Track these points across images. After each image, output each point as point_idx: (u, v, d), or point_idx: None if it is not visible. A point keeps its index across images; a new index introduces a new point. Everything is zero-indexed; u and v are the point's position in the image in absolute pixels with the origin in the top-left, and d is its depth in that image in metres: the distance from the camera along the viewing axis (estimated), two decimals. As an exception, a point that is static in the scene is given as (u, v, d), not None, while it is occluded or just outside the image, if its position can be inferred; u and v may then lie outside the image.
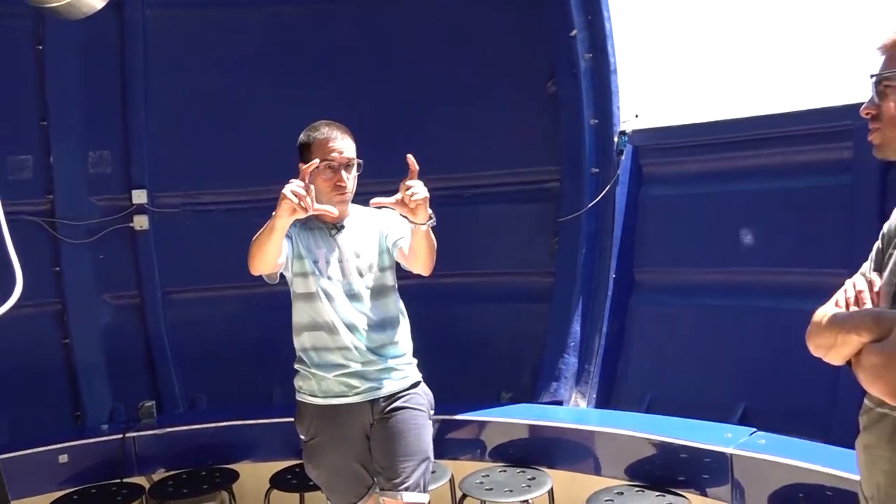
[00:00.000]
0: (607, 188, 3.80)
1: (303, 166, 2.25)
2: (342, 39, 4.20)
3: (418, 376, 2.45)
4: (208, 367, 4.16)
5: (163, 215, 4.25)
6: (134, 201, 4.18)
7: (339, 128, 2.38)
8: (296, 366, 2.41)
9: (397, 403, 2.35)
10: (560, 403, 3.69)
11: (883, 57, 1.35)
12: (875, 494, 1.36)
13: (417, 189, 2.05)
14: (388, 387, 2.35)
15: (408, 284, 2.52)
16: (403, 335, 2.42)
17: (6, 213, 1.55)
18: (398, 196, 2.08)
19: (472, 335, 4.06)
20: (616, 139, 3.82)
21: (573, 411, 3.64)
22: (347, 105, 3.88)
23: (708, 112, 3.72)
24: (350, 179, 2.35)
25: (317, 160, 2.17)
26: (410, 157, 2.06)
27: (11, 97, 4.00)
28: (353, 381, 2.32)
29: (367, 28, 4.20)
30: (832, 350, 1.37)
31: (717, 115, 3.65)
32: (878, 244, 1.47)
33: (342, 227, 2.41)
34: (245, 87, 4.23)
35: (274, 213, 2.06)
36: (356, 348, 2.31)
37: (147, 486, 3.42)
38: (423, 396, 2.43)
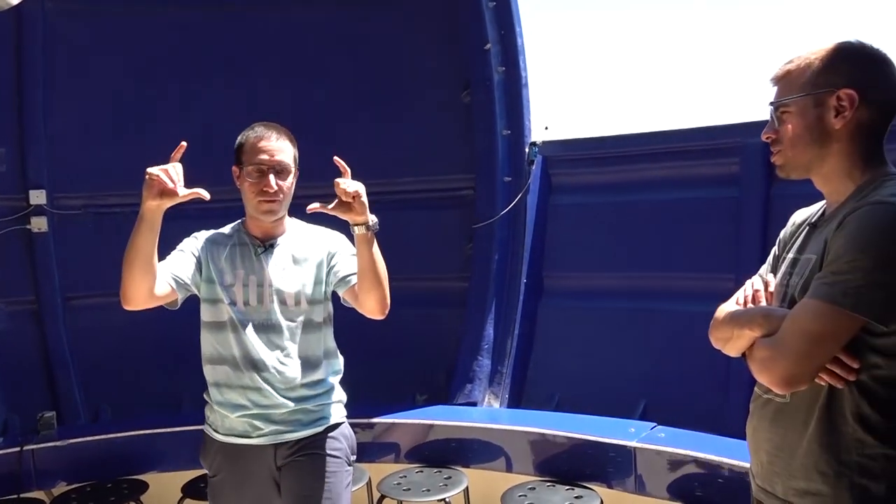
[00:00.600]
0: (519, 196, 3.95)
1: (235, 170, 2.17)
2: (256, 41, 4.15)
3: (340, 417, 2.24)
4: (112, 375, 4.00)
5: (63, 217, 4.05)
6: (31, 202, 3.97)
7: (276, 129, 2.17)
8: (204, 395, 2.24)
9: (308, 449, 2.13)
10: (474, 404, 3.81)
11: (776, 87, 1.51)
12: (759, 471, 1.53)
13: (348, 183, 1.94)
14: (298, 432, 2.13)
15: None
16: (328, 374, 2.20)
17: None
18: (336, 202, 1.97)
19: (388, 339, 4.08)
20: (527, 150, 3.99)
21: (486, 411, 3.76)
22: (261, 108, 3.84)
23: (613, 126, 3.95)
24: (283, 187, 2.11)
25: (184, 143, 1.96)
26: (337, 159, 1.98)
27: None
28: (258, 423, 2.10)
29: (280, 30, 4.15)
30: (729, 343, 1.53)
31: (621, 129, 3.89)
32: (774, 249, 1.64)
33: (272, 245, 2.17)
34: (153, 87, 4.10)
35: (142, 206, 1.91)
36: (262, 389, 2.08)
37: (48, 500, 3.28)
38: (342, 440, 2.20)
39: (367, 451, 3.35)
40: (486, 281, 3.98)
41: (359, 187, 1.96)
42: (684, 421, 3.07)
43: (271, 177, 2.10)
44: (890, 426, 1.34)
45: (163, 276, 2.06)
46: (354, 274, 2.12)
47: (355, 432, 3.18)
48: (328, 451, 2.15)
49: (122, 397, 4.00)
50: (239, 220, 2.26)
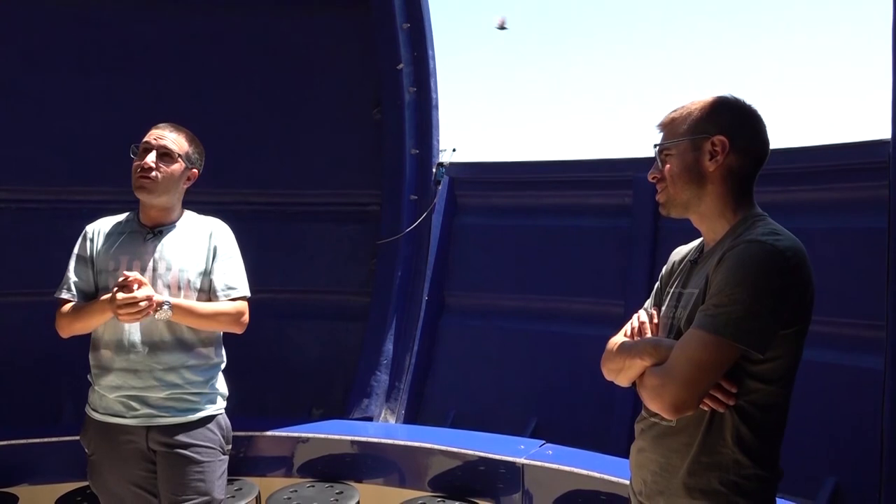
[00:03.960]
0: (424, 215, 4.02)
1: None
2: (169, 41, 4.04)
3: (216, 409, 2.30)
4: (25, 376, 3.76)
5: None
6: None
7: (176, 126, 2.32)
8: (88, 377, 2.30)
9: (181, 437, 2.21)
10: (370, 419, 3.81)
11: (661, 132, 1.66)
12: (643, 490, 1.64)
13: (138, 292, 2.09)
14: (173, 417, 2.21)
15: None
16: (206, 363, 2.28)
17: None
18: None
19: (286, 351, 4.07)
20: (434, 170, 4.07)
21: (382, 426, 3.77)
22: (164, 109, 3.73)
23: (518, 152, 4.10)
24: (162, 168, 2.22)
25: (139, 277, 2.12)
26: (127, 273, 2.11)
27: None
28: (134, 403, 2.19)
29: (195, 33, 4.06)
30: (621, 373, 1.63)
31: (526, 156, 4.04)
32: (657, 284, 1.78)
33: (160, 231, 2.28)
34: (47, 81, 3.92)
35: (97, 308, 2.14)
36: (138, 372, 2.18)
37: None
38: (216, 432, 2.28)
39: (257, 465, 3.30)
40: (387, 297, 4.01)
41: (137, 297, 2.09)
42: (572, 439, 3.20)
43: (150, 154, 2.22)
44: (763, 448, 1.48)
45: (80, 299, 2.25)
46: (220, 292, 2.28)
47: (245, 445, 3.13)
48: (202, 442, 2.24)
49: (37, 397, 3.76)
50: (136, 210, 2.35)
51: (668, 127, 1.64)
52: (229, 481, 2.68)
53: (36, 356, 3.78)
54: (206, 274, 2.28)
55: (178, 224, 2.32)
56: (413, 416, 3.90)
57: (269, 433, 3.37)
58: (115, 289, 2.09)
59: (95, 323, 2.20)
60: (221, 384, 2.36)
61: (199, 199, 2.53)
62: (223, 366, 2.37)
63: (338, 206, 4.22)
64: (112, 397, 2.20)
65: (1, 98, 3.85)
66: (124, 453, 2.21)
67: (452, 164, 4.11)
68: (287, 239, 4.12)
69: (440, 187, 4.06)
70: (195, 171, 2.34)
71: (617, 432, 3.29)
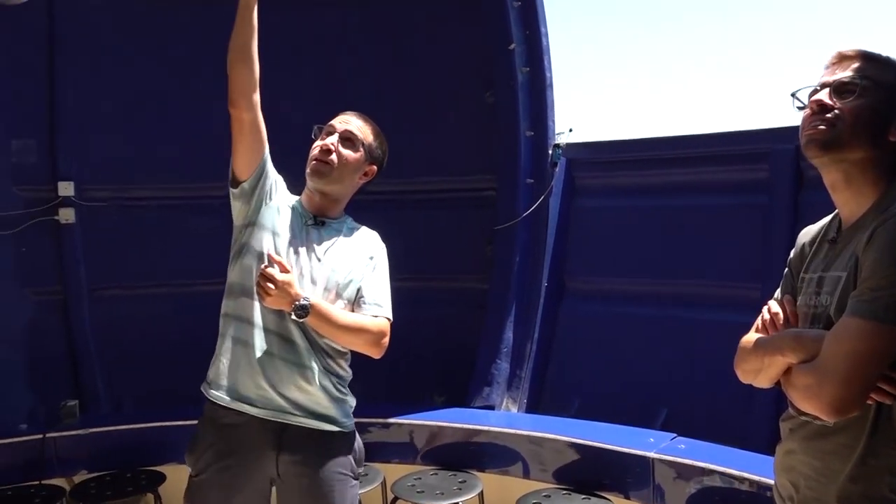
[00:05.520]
0: (541, 199, 3.91)
1: None
2: (286, 38, 4.16)
3: (350, 425, 2.09)
4: (134, 367, 4.04)
5: (90, 209, 4.10)
6: (60, 193, 4.03)
7: (363, 115, 2.17)
8: (217, 347, 2.07)
9: (314, 461, 1.98)
10: (492, 408, 3.78)
11: (845, 65, 1.43)
12: (794, 496, 1.46)
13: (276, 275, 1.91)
14: (308, 419, 1.98)
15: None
16: (346, 373, 2.10)
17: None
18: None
19: (406, 339, 4.06)
20: (550, 151, 3.94)
21: (504, 415, 3.72)
22: (287, 104, 3.85)
23: (638, 130, 3.90)
24: (343, 154, 2.04)
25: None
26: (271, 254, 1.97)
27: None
28: (264, 385, 1.95)
29: (307, 27, 4.16)
30: (760, 374, 1.46)
31: (647, 133, 3.83)
32: (786, 270, 1.59)
33: (323, 222, 2.09)
34: (183, 81, 4.13)
35: None
36: (291, 341, 1.97)
37: (68, 488, 3.31)
38: (350, 454, 2.07)
39: (382, 452, 3.35)
40: (506, 283, 3.94)
41: (286, 279, 1.92)
42: (706, 433, 3.01)
43: (332, 136, 2.07)
44: None
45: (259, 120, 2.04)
46: (365, 305, 2.04)
47: (370, 432, 3.17)
48: (336, 470, 2.02)
49: (144, 389, 4.04)
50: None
51: (867, 63, 1.41)
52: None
53: (180, 342, 4.02)
54: (356, 282, 2.05)
55: (340, 221, 2.14)
56: (535, 405, 3.83)
57: (392, 419, 3.41)
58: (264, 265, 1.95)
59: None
60: (352, 397, 2.13)
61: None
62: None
63: (453, 192, 4.19)
64: (246, 364, 2.00)
65: (139, 98, 4.10)
66: (245, 475, 1.99)
67: (569, 145, 3.96)
68: (404, 226, 4.11)
69: (557, 169, 3.93)
70: (374, 167, 2.14)
71: (757, 427, 3.05)
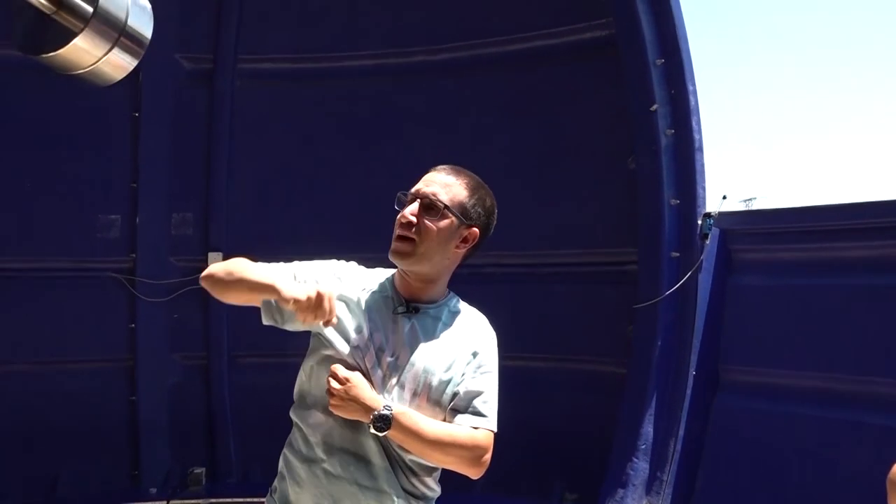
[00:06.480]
0: (689, 274, 3.45)
1: None
2: (417, 108, 4.18)
3: None
4: (266, 435, 4.06)
5: (236, 278, 4.29)
6: (209, 263, 4.26)
7: (457, 169, 1.76)
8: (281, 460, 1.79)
9: None
10: (625, 514, 3.30)
11: None
12: None
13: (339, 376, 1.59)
14: None
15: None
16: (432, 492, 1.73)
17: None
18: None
19: (533, 422, 3.75)
20: (700, 221, 3.49)
21: (640, 525, 3.24)
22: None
23: (807, 197, 3.34)
24: (425, 224, 1.65)
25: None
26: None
27: (106, 160, 4.23)
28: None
29: (441, 98, 4.15)
30: None
31: (815, 200, 3.26)
32: None
33: (417, 308, 1.71)
34: (322, 154, 4.28)
35: (284, 289, 1.53)
36: (368, 462, 1.63)
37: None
38: None
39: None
40: (647, 369, 3.49)
41: (348, 378, 1.59)
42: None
43: (413, 205, 1.67)
44: None
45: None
46: (464, 414, 1.64)
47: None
48: None
49: (275, 458, 4.04)
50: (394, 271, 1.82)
51: None
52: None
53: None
54: (454, 384, 1.67)
55: (438, 306, 1.74)
56: (677, 516, 3.29)
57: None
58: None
59: (262, 291, 1.65)
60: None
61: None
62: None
63: (591, 265, 3.89)
64: (306, 484, 1.68)
65: (282, 172, 4.30)
66: None
67: (723, 214, 3.48)
68: (535, 301, 3.87)
69: (708, 241, 3.46)
70: (475, 229, 1.71)
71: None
